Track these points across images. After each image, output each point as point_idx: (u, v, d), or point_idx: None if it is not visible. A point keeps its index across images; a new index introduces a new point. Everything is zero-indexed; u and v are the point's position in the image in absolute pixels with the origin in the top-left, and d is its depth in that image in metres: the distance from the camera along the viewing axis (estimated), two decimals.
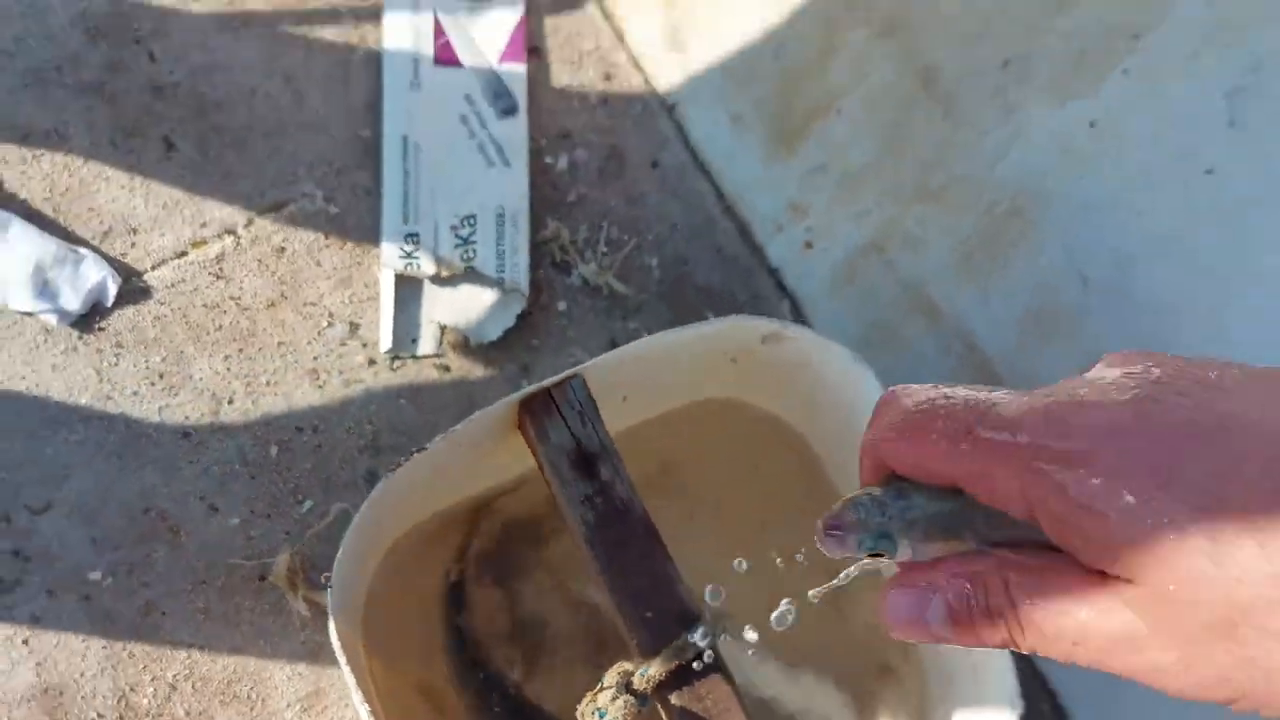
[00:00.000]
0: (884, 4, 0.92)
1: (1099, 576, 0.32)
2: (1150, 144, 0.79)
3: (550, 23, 1.13)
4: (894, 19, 0.91)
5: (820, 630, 0.89)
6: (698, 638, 0.68)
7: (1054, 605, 0.33)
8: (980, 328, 0.92)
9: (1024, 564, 0.34)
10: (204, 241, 1.01)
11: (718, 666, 0.69)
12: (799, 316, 1.07)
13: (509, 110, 1.09)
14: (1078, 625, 0.33)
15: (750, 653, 0.81)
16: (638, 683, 0.67)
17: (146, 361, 0.96)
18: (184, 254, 1.00)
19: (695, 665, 0.68)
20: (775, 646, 0.85)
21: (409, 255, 1.03)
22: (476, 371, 1.02)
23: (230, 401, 0.97)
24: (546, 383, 0.73)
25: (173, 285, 0.99)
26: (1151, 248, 0.78)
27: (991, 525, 0.36)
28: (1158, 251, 0.77)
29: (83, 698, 0.88)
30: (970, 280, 0.92)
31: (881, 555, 0.37)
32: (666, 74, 1.10)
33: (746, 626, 0.61)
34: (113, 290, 0.96)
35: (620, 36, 1.12)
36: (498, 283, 1.03)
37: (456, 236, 1.04)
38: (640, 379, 0.80)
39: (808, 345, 0.77)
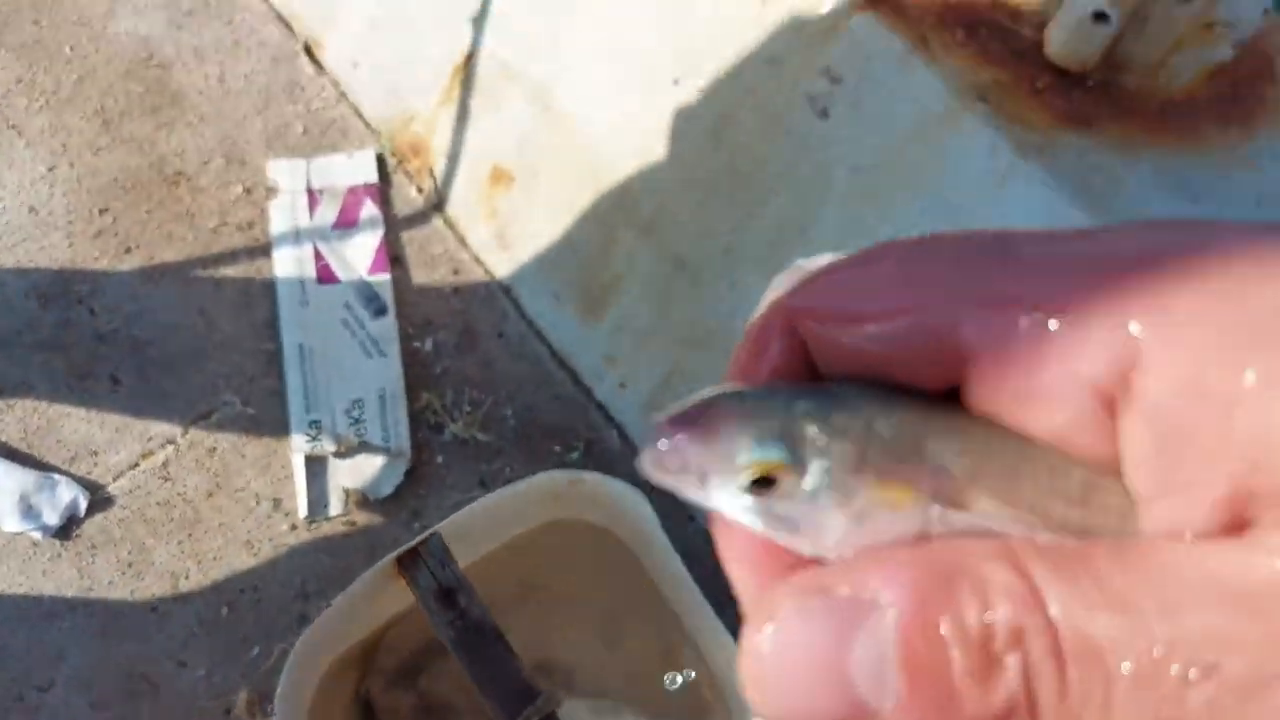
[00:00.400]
0: (641, 212, 1.23)
1: (1228, 541, 0.17)
2: None
3: (406, 236, 1.44)
4: (650, 222, 1.23)
5: (654, 677, 1.17)
6: (537, 708, 0.96)
7: (1140, 604, 0.17)
8: None
9: (1059, 548, 0.18)
10: (151, 453, 1.29)
11: None
12: (624, 438, 1.37)
13: (380, 311, 1.38)
14: (1194, 633, 0.16)
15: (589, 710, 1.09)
16: None
17: (116, 556, 1.24)
18: (136, 465, 1.28)
19: None
20: (616, 696, 1.14)
21: (314, 438, 1.31)
22: (377, 522, 1.30)
23: (186, 577, 1.24)
24: (413, 542, 1.02)
25: (130, 492, 1.27)
26: None
27: (990, 467, 0.20)
28: None
29: None
30: None
31: (772, 484, 0.20)
32: (501, 266, 1.40)
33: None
34: (83, 504, 1.24)
35: (462, 241, 1.43)
36: (386, 450, 1.32)
37: (349, 418, 1.33)
38: (489, 522, 1.09)
39: (599, 486, 1.07)
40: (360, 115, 1.46)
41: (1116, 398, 0.19)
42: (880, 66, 1.01)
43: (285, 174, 1.42)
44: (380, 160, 1.44)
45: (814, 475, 0.20)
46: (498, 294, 1.42)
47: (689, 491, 0.21)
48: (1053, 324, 0.19)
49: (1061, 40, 0.94)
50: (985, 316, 0.19)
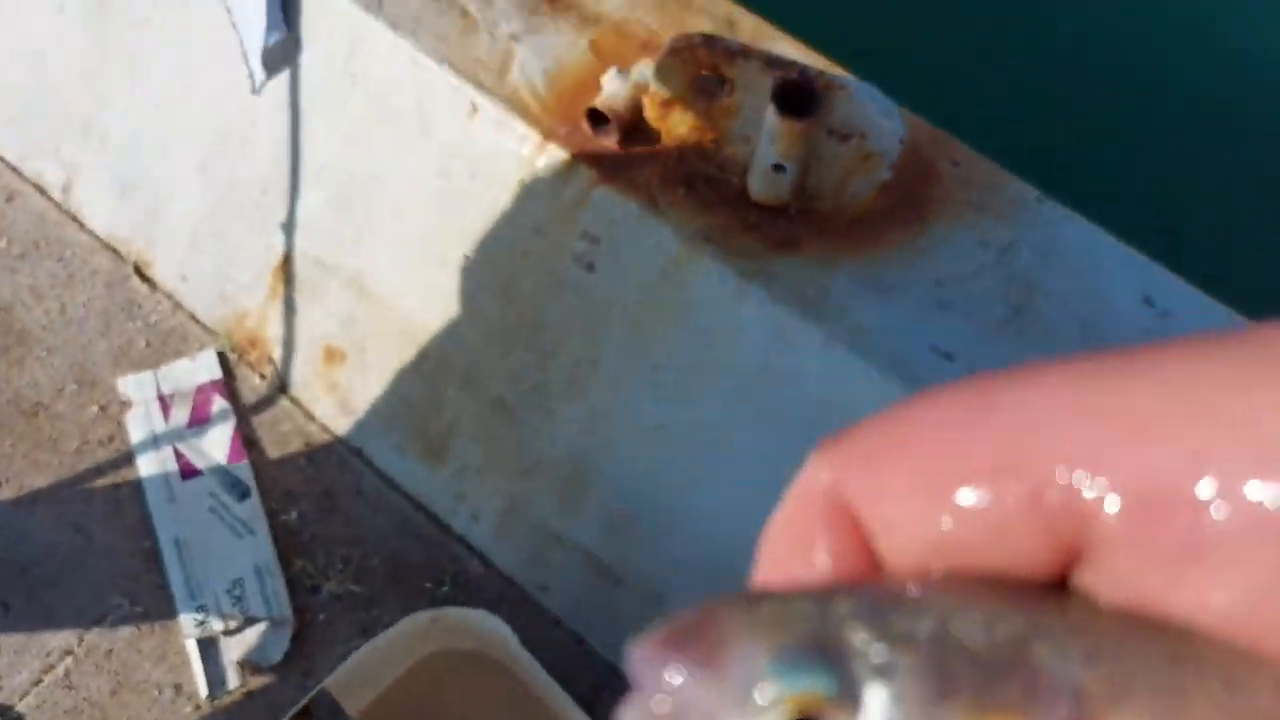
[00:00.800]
0: (458, 366, 1.41)
1: None
2: (623, 415, 1.30)
3: (256, 420, 1.58)
4: (466, 373, 1.41)
5: None
6: None
7: None
8: (591, 542, 1.40)
9: None
10: (52, 666, 1.39)
11: None
12: (486, 563, 1.53)
13: (244, 494, 1.52)
14: None
15: None
16: None
17: None
18: (39, 681, 1.38)
19: None
20: None
21: (202, 622, 1.44)
22: (273, 686, 1.43)
23: None
24: (303, 701, 1.16)
25: (38, 707, 1.37)
26: (646, 490, 1.28)
27: (1138, 677, 0.14)
28: (649, 487, 1.27)
29: None
30: (572, 515, 1.40)
31: None
32: (348, 432, 1.56)
33: None
34: None
35: (309, 415, 1.58)
36: (270, 619, 1.45)
37: (232, 597, 1.46)
38: (368, 670, 1.24)
39: (460, 618, 1.23)
40: (197, 320, 1.61)
41: None
42: (624, 225, 1.22)
43: (135, 387, 1.55)
44: (222, 357, 1.59)
45: (875, 709, 0.14)
46: (349, 457, 1.58)
47: None
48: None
49: (758, 185, 1.16)
50: (1124, 453, 0.14)
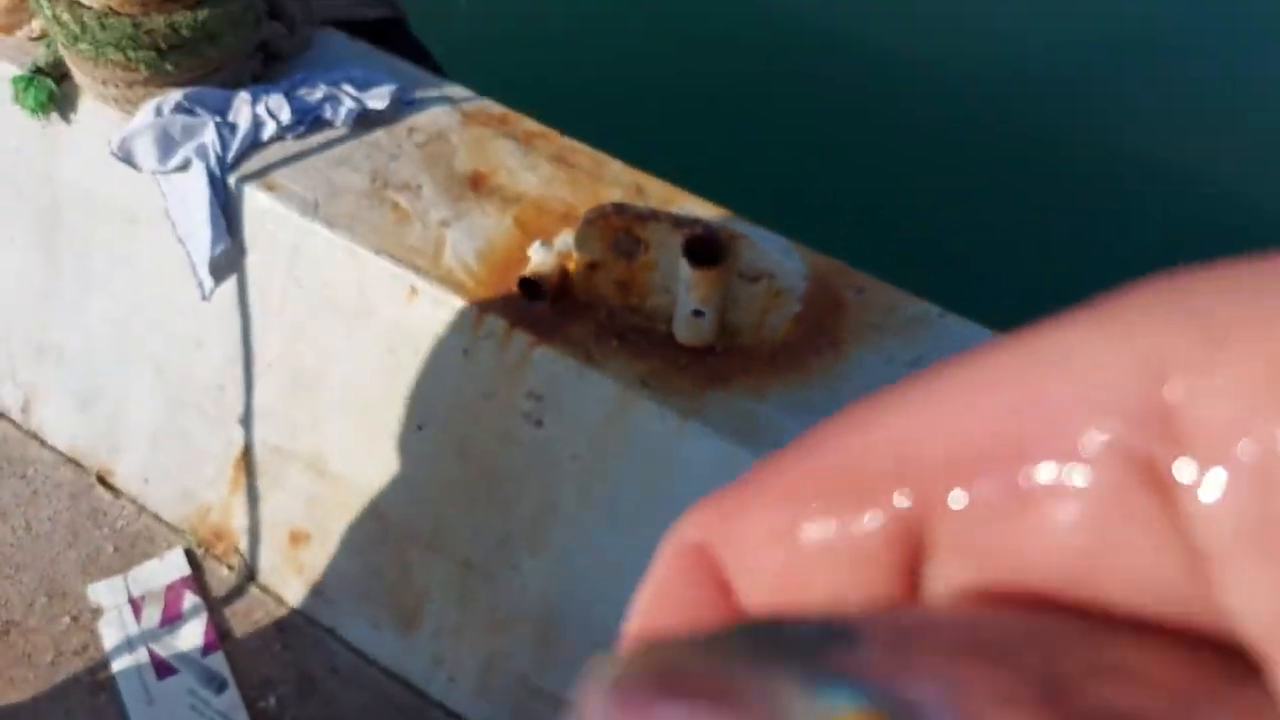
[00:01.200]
0: (422, 532, 1.47)
1: None
2: (584, 559, 1.36)
3: (228, 611, 1.61)
4: (431, 538, 1.47)
5: None
6: None
7: None
8: (570, 689, 1.44)
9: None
10: None
11: None
12: None
13: (221, 687, 1.54)
14: None
15: None
16: None
17: None
18: None
19: None
20: None
21: None
22: None
23: None
24: None
25: None
26: (615, 629, 1.34)
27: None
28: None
29: None
30: (549, 664, 1.45)
31: None
32: (320, 612, 1.60)
33: None
34: None
35: (280, 600, 1.62)
36: None
37: None
38: None
39: None
40: (162, 521, 1.65)
41: (1157, 460, 0.12)
42: (565, 380, 1.31)
43: (105, 593, 1.58)
44: (189, 553, 1.63)
45: None
46: (323, 637, 1.61)
47: None
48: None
49: (683, 330, 1.27)
50: (961, 423, 0.13)
